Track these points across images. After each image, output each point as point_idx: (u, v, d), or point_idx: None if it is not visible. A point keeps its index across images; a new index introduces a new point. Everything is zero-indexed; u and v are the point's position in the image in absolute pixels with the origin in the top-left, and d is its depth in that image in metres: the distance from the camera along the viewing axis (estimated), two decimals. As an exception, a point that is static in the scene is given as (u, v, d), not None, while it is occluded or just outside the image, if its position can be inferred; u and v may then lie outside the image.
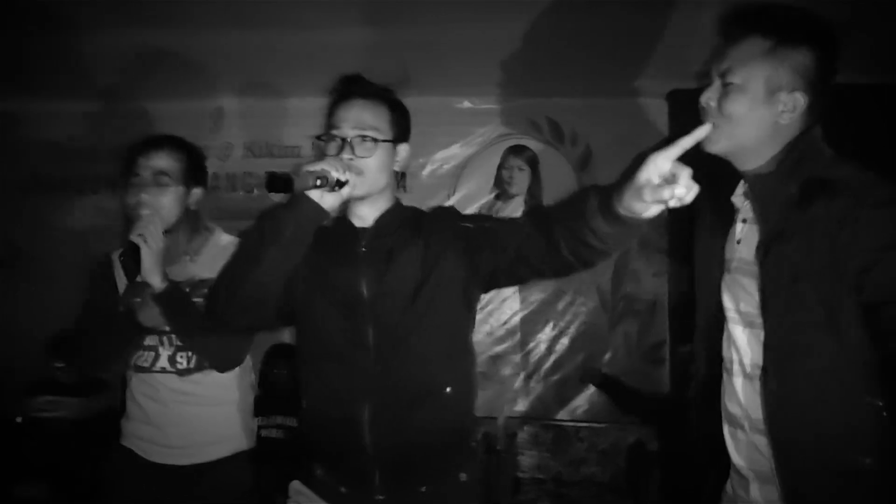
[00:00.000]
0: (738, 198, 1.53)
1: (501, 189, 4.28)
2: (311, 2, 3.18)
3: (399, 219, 1.69)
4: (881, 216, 1.27)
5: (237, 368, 2.14)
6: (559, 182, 4.22)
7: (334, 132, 1.59)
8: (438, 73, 3.97)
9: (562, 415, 4.04)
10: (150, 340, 2.10)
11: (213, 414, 2.13)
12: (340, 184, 1.51)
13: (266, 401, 3.91)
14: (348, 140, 1.57)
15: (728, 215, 1.54)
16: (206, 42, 3.58)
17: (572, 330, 4.13)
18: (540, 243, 1.49)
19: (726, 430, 1.51)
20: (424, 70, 3.93)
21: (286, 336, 4.09)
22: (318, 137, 1.62)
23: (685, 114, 4.06)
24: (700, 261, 1.57)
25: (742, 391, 1.47)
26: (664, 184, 1.24)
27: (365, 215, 1.67)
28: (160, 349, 2.10)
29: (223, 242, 2.15)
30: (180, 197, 2.06)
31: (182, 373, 2.09)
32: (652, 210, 1.29)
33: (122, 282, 2.08)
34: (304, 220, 1.51)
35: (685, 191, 1.22)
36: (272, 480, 3.51)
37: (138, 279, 1.96)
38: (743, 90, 1.43)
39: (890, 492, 1.30)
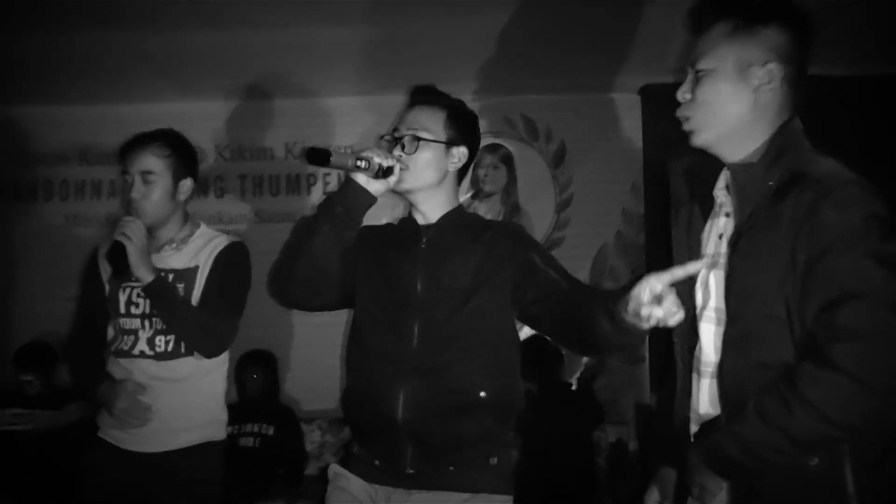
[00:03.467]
0: (721, 191, 1.50)
1: (477, 188, 4.23)
2: (281, 1, 3.12)
3: (460, 222, 1.81)
4: (836, 216, 1.26)
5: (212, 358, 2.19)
6: (534, 179, 4.20)
7: (394, 132, 1.77)
8: (411, 71, 3.93)
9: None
10: (131, 324, 2.16)
11: (186, 401, 2.16)
12: (384, 171, 1.64)
13: (240, 408, 3.85)
14: (401, 138, 1.74)
15: (707, 210, 1.50)
16: (177, 44, 3.52)
17: (551, 328, 4.11)
18: (572, 316, 1.62)
19: (693, 430, 1.48)
20: (397, 69, 3.90)
21: (258, 342, 4.04)
22: (382, 137, 1.79)
23: (658, 108, 4.08)
24: (678, 257, 1.53)
25: (708, 391, 1.44)
26: (653, 303, 1.30)
27: (427, 213, 1.79)
28: (140, 332, 2.15)
29: (208, 235, 2.23)
30: (169, 191, 2.14)
31: (159, 356, 2.14)
32: (643, 324, 1.35)
33: (106, 276, 2.21)
34: (353, 200, 1.65)
35: (664, 314, 1.30)
36: (245, 488, 3.47)
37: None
38: (714, 73, 1.41)
39: (837, 491, 1.28)
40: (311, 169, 4.33)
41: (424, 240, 1.77)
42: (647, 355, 4.04)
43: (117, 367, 2.17)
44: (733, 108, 1.40)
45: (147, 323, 2.14)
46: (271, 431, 3.79)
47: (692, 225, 1.52)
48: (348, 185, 1.67)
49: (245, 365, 3.89)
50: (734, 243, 1.38)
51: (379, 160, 1.63)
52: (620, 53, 3.66)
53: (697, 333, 1.47)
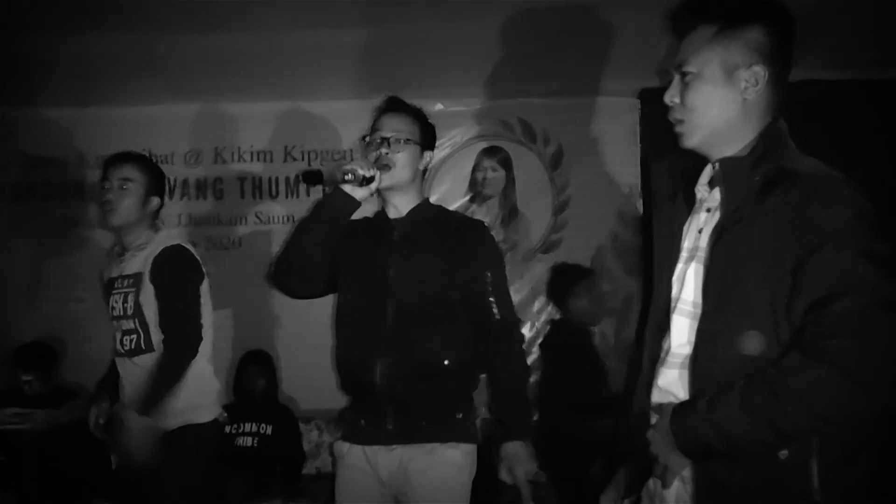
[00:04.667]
0: (703, 187, 1.52)
1: (476, 191, 4.28)
2: (279, 4, 3.14)
3: (428, 216, 2.11)
4: (826, 213, 1.28)
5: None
6: (532, 182, 4.23)
7: (377, 134, 2.05)
8: (410, 76, 3.95)
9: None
10: (114, 324, 2.50)
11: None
12: (367, 179, 1.93)
13: (239, 407, 3.87)
14: (388, 139, 2.02)
15: (690, 206, 1.53)
16: (176, 47, 3.54)
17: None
18: (488, 357, 2.03)
19: (652, 420, 1.49)
20: (395, 73, 3.92)
21: (256, 342, 4.06)
22: (363, 138, 2.08)
23: (656, 112, 4.10)
24: (658, 253, 1.56)
25: (678, 382, 1.46)
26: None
27: (399, 207, 2.09)
28: (117, 333, 2.50)
29: (160, 238, 2.51)
30: (140, 200, 2.49)
31: (130, 353, 2.45)
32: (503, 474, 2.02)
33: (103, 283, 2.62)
34: (339, 206, 1.97)
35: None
36: (241, 488, 3.49)
37: None
38: (701, 77, 1.43)
39: (802, 485, 1.30)
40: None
41: (396, 232, 2.08)
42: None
43: (118, 366, 2.53)
44: (722, 112, 1.43)
45: (118, 324, 2.48)
46: (269, 431, 3.80)
47: (674, 222, 1.54)
48: (336, 192, 1.97)
49: (244, 365, 3.91)
50: (717, 237, 1.40)
51: (362, 172, 1.93)
52: (619, 57, 3.68)
53: (669, 326, 1.49)
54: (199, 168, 4.36)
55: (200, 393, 2.46)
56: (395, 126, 2.05)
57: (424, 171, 2.15)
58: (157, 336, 2.41)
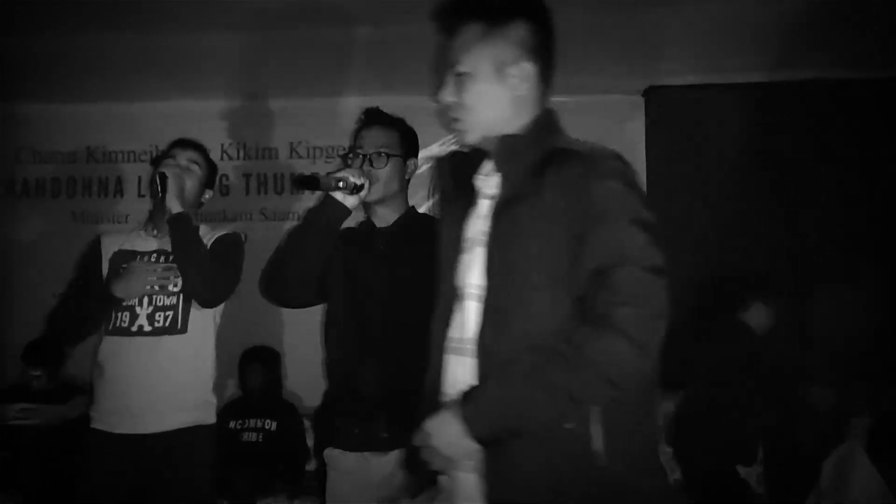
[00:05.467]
0: (482, 178, 1.53)
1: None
2: (288, 2, 3.15)
3: (413, 224, 2.09)
4: (603, 188, 1.33)
5: (203, 334, 2.35)
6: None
7: (358, 150, 2.04)
8: (415, 73, 3.94)
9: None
10: (129, 301, 2.29)
11: (177, 380, 2.28)
12: (358, 188, 1.93)
13: (243, 403, 3.89)
14: (368, 155, 2.02)
15: (470, 199, 1.54)
16: (184, 44, 3.56)
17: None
18: None
19: None
20: (402, 70, 3.92)
21: (260, 338, 4.07)
22: (345, 155, 2.07)
23: (662, 110, 4.11)
24: (443, 245, 1.57)
25: (463, 367, 1.44)
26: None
27: (384, 216, 2.07)
28: (137, 309, 2.28)
29: (205, 229, 2.44)
30: (198, 189, 2.41)
31: (157, 332, 2.27)
32: None
33: (106, 264, 2.38)
34: (332, 214, 1.95)
35: None
36: (247, 483, 3.50)
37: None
38: (473, 77, 1.46)
39: (588, 453, 1.29)
40: (315, 168, 4.35)
41: (382, 241, 2.06)
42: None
43: (111, 346, 2.29)
44: (496, 109, 1.48)
45: (146, 300, 2.28)
46: (274, 427, 3.82)
47: (458, 215, 1.55)
48: (327, 201, 1.95)
49: (248, 361, 3.93)
50: (497, 216, 1.42)
51: (353, 179, 1.92)
52: (624, 55, 3.68)
53: (453, 312, 1.50)
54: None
55: (210, 393, 2.40)
56: (374, 141, 2.04)
57: (409, 179, 2.13)
58: (195, 317, 2.32)
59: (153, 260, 2.34)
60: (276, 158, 4.39)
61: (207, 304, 2.32)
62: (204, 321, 2.35)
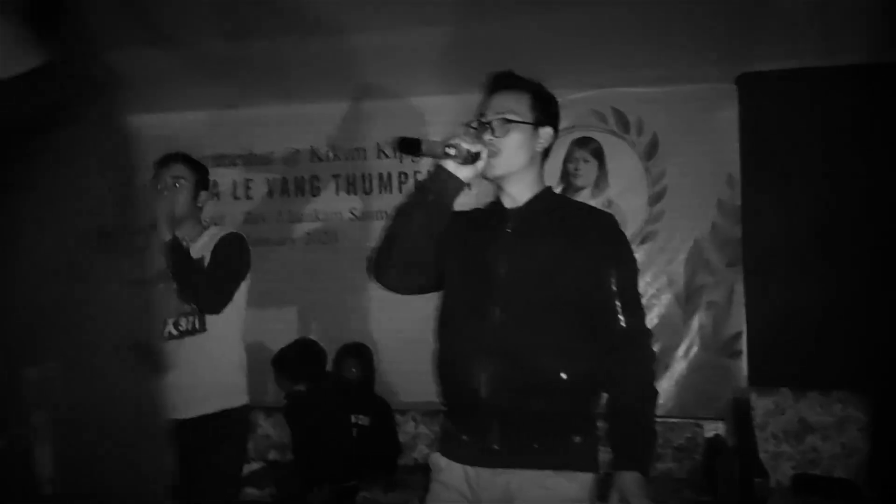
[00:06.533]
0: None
1: (567, 182, 4.24)
2: (368, 6, 3.20)
3: (548, 205, 1.85)
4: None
5: (224, 329, 2.60)
6: (626, 172, 4.16)
7: (480, 118, 1.82)
8: (498, 68, 3.95)
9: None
10: (182, 308, 2.58)
11: (202, 372, 2.54)
12: (472, 156, 1.70)
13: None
14: (490, 122, 1.78)
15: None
16: (274, 51, 3.67)
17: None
18: (604, 355, 1.78)
19: None
20: (484, 66, 3.91)
21: (355, 334, 4.16)
22: (468, 124, 1.83)
23: (756, 97, 3.97)
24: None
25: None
26: None
27: (515, 195, 1.84)
28: (168, 318, 2.57)
29: (213, 232, 2.69)
30: (191, 196, 2.66)
31: (182, 334, 2.56)
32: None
33: None
34: (443, 187, 1.72)
35: None
36: (347, 476, 3.58)
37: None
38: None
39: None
40: (402, 168, 4.42)
41: (510, 224, 1.82)
42: (744, 349, 3.93)
43: None
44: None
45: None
46: (367, 422, 3.89)
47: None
48: (438, 172, 1.73)
49: (343, 357, 4.02)
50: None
51: (467, 146, 1.69)
52: (715, 42, 3.57)
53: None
54: (298, 167, 4.52)
55: (237, 381, 2.66)
56: (499, 106, 1.80)
57: (546, 152, 1.87)
58: (213, 316, 2.57)
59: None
60: (365, 159, 4.47)
61: (207, 312, 2.56)
62: (223, 318, 2.58)
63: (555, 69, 3.93)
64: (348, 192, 4.47)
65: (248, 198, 4.58)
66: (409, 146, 1.69)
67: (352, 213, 4.46)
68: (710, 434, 3.84)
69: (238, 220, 4.44)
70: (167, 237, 2.48)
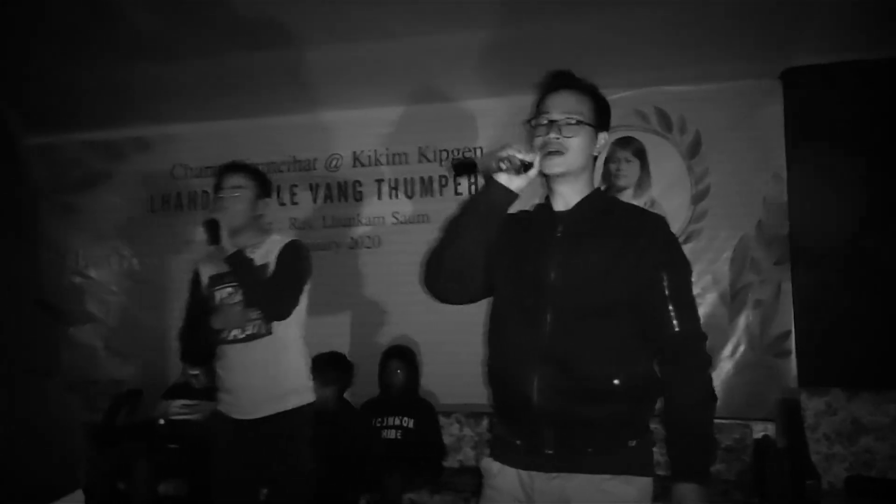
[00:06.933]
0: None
1: (609, 182, 4.22)
2: (410, 10, 3.23)
3: (599, 207, 1.84)
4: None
5: (287, 332, 2.73)
6: (669, 171, 4.12)
7: (544, 116, 1.78)
8: (540, 70, 3.94)
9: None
10: (227, 330, 2.73)
11: (269, 373, 2.70)
12: (525, 165, 1.69)
13: (383, 401, 4.01)
14: (557, 122, 1.76)
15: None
16: (312, 58, 3.74)
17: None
18: (658, 361, 1.78)
19: None
20: (526, 69, 3.92)
21: (398, 337, 4.21)
22: (529, 121, 1.81)
23: (801, 92, 3.90)
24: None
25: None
26: None
27: (566, 197, 1.83)
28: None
29: (275, 239, 2.80)
30: (251, 205, 2.76)
31: (250, 338, 2.70)
32: None
33: (206, 288, 2.84)
34: (495, 199, 1.73)
35: None
36: (399, 479, 3.61)
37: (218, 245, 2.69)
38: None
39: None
40: (442, 171, 4.45)
41: (561, 227, 1.81)
42: (793, 348, 3.87)
43: (220, 352, 2.77)
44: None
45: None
46: (411, 424, 3.92)
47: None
48: (490, 184, 1.72)
49: (387, 360, 4.05)
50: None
51: (520, 157, 1.68)
52: (759, 37, 3.52)
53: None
54: (339, 172, 4.58)
55: (304, 380, 2.80)
56: (565, 107, 1.77)
57: (597, 157, 1.86)
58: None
59: (232, 279, 2.74)
60: (406, 163, 4.51)
61: (274, 319, 2.68)
62: (286, 321, 2.70)
63: (596, 69, 3.86)
64: (390, 197, 4.51)
65: (294, 203, 4.67)
66: (465, 168, 1.75)
67: (394, 217, 4.50)
68: (758, 435, 3.78)
69: (284, 227, 4.52)
70: (230, 249, 2.62)
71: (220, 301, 2.76)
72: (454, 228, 1.79)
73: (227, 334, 2.72)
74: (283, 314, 2.67)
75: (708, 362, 1.76)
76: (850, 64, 3.76)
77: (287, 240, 2.79)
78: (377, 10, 3.23)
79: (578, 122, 1.75)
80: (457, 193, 4.39)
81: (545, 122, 1.77)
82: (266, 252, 2.73)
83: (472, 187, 4.29)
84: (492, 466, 1.84)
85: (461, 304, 1.93)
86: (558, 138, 1.74)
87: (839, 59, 3.76)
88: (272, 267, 2.70)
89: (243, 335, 2.71)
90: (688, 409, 1.71)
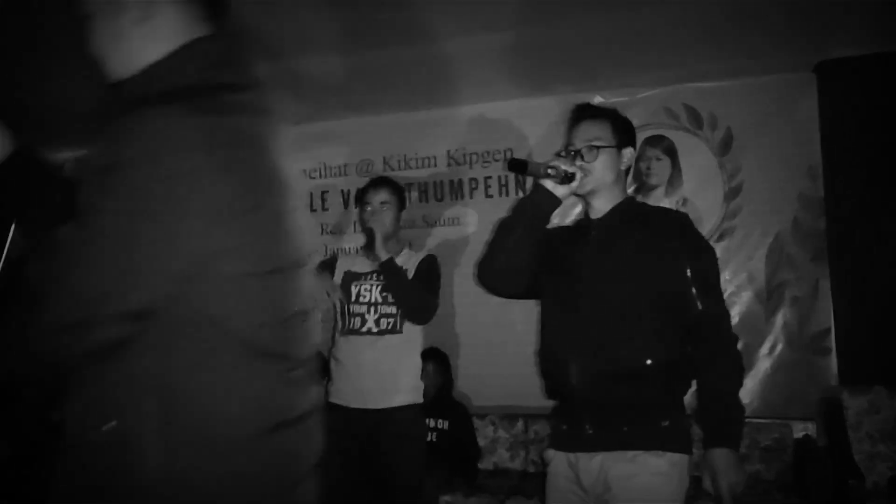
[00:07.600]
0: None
1: (640, 181, 4.19)
2: (434, 14, 3.24)
3: (630, 211, 2.08)
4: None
5: (414, 334, 2.96)
6: (700, 169, 4.08)
7: (570, 147, 2.05)
8: (567, 72, 3.94)
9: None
10: (358, 309, 2.96)
11: (396, 368, 2.90)
12: (569, 176, 1.93)
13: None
14: (579, 150, 2.02)
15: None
16: (345, 64, 3.77)
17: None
18: (687, 339, 1.94)
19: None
20: (553, 70, 3.92)
21: (432, 340, 4.20)
22: (559, 153, 2.04)
23: (836, 85, 3.83)
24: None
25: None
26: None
27: (600, 207, 2.07)
28: (367, 315, 2.94)
29: (408, 252, 3.08)
30: (395, 218, 3.02)
31: (381, 332, 2.92)
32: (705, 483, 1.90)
33: (339, 279, 3.04)
34: (541, 203, 1.97)
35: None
36: (436, 481, 3.61)
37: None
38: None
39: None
40: (471, 175, 4.45)
41: (594, 231, 2.05)
42: (833, 346, 3.80)
43: (346, 343, 2.96)
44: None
45: (373, 309, 2.95)
46: (446, 426, 3.92)
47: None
48: (538, 190, 1.97)
49: (422, 362, 4.05)
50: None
51: (564, 167, 1.93)
52: (791, 31, 3.47)
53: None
54: (371, 177, 4.59)
55: (419, 379, 2.99)
56: (585, 135, 2.04)
57: (629, 169, 2.11)
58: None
59: (372, 279, 2.98)
60: (435, 167, 4.53)
61: (419, 323, 2.95)
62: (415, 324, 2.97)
63: (625, 67, 3.93)
64: (420, 200, 4.53)
65: (325, 209, 4.70)
66: (517, 166, 1.94)
67: (424, 221, 4.51)
68: (799, 434, 3.72)
69: (315, 232, 4.55)
70: (383, 256, 2.88)
71: (356, 296, 2.97)
72: (505, 230, 2.03)
73: (362, 327, 2.92)
74: (428, 319, 2.94)
75: (733, 338, 1.96)
76: (886, 56, 3.68)
77: (423, 253, 3.10)
78: (406, 16, 3.25)
79: (596, 148, 2.01)
80: (487, 196, 4.40)
81: (572, 152, 2.03)
82: (403, 261, 2.98)
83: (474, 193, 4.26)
84: (549, 453, 2.06)
85: (509, 297, 2.22)
86: (582, 164, 1.99)
87: (875, 51, 3.69)
88: (410, 275, 2.95)
89: (377, 329, 2.92)
90: (716, 380, 1.89)
